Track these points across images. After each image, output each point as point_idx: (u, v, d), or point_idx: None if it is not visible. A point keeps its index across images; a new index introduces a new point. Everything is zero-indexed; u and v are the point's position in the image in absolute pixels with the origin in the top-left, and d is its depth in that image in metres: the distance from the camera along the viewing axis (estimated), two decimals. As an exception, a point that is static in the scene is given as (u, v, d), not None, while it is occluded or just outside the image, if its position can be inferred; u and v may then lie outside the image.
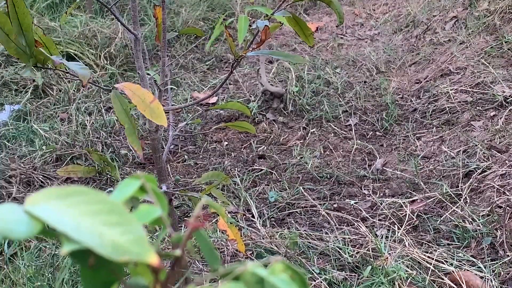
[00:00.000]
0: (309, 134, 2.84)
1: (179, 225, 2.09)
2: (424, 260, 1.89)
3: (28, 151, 2.67)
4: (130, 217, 0.35)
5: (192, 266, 1.95)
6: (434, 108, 2.87)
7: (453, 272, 1.83)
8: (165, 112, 1.06)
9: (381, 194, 2.37)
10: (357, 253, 1.97)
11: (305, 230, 2.14)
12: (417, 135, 2.72)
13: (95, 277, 0.37)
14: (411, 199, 2.28)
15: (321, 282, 1.85)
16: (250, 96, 3.13)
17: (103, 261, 0.34)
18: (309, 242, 2.05)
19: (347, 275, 1.90)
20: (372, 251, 1.96)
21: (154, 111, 1.04)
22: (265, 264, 0.40)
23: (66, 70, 1.11)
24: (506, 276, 1.82)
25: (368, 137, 2.80)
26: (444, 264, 1.88)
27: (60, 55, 1.15)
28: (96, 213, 0.34)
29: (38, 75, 3.14)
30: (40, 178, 2.51)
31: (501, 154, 2.38)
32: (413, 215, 2.17)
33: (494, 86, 2.83)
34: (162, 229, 0.42)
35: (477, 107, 2.76)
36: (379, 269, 1.86)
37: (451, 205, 2.18)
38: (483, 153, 2.41)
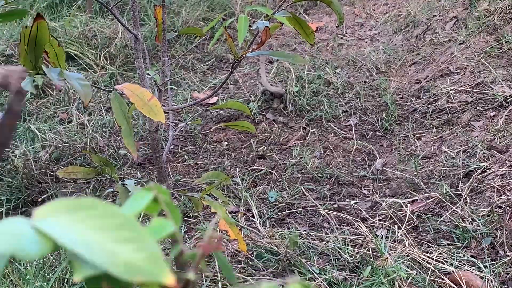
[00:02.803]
0: (309, 134, 2.84)
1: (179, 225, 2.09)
2: (424, 260, 1.89)
3: (28, 151, 2.67)
4: (143, 232, 0.34)
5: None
6: (434, 108, 2.87)
7: (453, 272, 1.83)
8: (165, 113, 1.07)
9: (381, 194, 2.37)
10: (357, 253, 1.97)
11: (305, 230, 2.14)
12: (417, 135, 2.72)
13: None
14: (411, 199, 2.28)
15: (321, 282, 1.85)
16: (250, 96, 3.13)
17: (116, 283, 0.32)
18: (309, 242, 2.05)
19: (347, 275, 1.90)
20: (372, 251, 1.96)
21: (152, 109, 1.05)
22: (281, 284, 0.39)
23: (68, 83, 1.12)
24: (506, 276, 1.82)
25: (368, 137, 2.80)
26: (444, 264, 1.88)
27: (64, 65, 1.16)
28: (107, 228, 0.33)
29: (38, 77, 3.14)
30: (39, 179, 2.51)
31: (501, 154, 2.38)
32: (413, 215, 2.17)
33: (494, 86, 2.83)
34: (175, 245, 0.41)
35: (477, 107, 2.76)
36: (379, 269, 1.86)
37: (451, 205, 2.18)
38: (483, 153, 2.41)
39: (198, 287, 1.74)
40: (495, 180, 2.23)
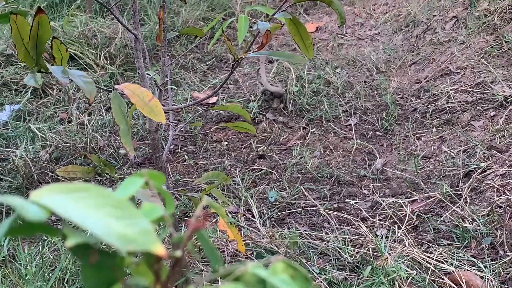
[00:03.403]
0: (309, 134, 2.84)
1: (179, 225, 2.09)
2: (424, 260, 1.89)
3: (28, 151, 2.67)
4: (135, 211, 0.35)
5: (193, 266, 1.95)
6: (434, 108, 2.87)
7: (453, 272, 1.83)
8: (165, 112, 1.07)
9: (381, 194, 2.37)
10: (357, 253, 1.97)
11: (305, 230, 2.14)
12: (417, 135, 2.72)
13: (96, 276, 0.36)
14: (411, 199, 2.28)
15: (321, 282, 1.85)
16: (250, 96, 3.13)
17: (105, 258, 0.33)
18: (309, 242, 2.05)
19: (347, 275, 1.90)
20: (372, 251, 1.96)
21: (152, 109, 1.05)
22: (266, 264, 0.40)
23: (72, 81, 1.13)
24: (506, 276, 1.82)
25: (368, 137, 2.80)
26: (444, 264, 1.88)
27: (68, 67, 1.16)
28: (101, 206, 0.34)
29: (38, 75, 3.14)
30: (40, 179, 2.50)
31: (501, 154, 2.38)
32: (413, 215, 2.17)
33: (494, 86, 2.83)
34: (164, 228, 0.41)
35: (477, 107, 2.76)
36: (379, 269, 1.86)
37: (451, 205, 2.18)
38: (483, 153, 2.41)
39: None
40: (495, 180, 2.23)
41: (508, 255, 1.88)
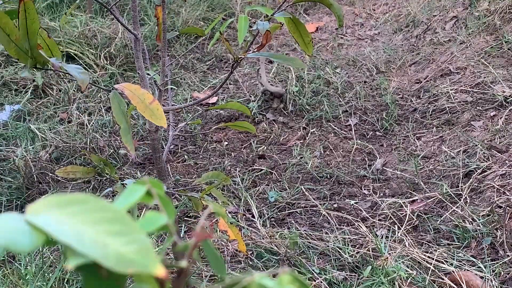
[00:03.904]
0: (309, 134, 2.84)
1: (179, 225, 2.09)
2: (424, 260, 1.89)
3: (28, 151, 2.67)
4: (133, 226, 0.34)
5: (192, 267, 1.94)
6: (434, 108, 2.87)
7: (453, 272, 1.83)
8: (165, 112, 1.06)
9: (381, 194, 2.37)
10: (357, 253, 1.97)
11: (305, 230, 2.14)
12: (417, 135, 2.72)
13: (99, 284, 0.36)
14: (411, 199, 2.28)
15: (321, 282, 1.85)
16: (250, 96, 3.13)
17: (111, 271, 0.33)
18: (309, 242, 2.05)
19: (347, 275, 1.90)
20: (372, 251, 1.96)
21: (153, 112, 1.04)
22: (272, 274, 0.39)
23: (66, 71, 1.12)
24: (506, 276, 1.82)
25: (368, 137, 2.80)
26: (444, 264, 1.88)
27: (61, 56, 1.15)
28: (98, 222, 0.33)
29: (38, 75, 3.14)
30: (40, 179, 2.51)
31: (501, 154, 2.38)
32: (413, 215, 2.17)
33: (494, 86, 2.83)
34: (168, 237, 0.41)
35: (477, 107, 2.76)
36: (379, 269, 1.86)
37: (451, 205, 2.18)
38: (483, 153, 2.40)
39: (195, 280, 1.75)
40: (495, 180, 2.23)
41: (508, 255, 1.88)
